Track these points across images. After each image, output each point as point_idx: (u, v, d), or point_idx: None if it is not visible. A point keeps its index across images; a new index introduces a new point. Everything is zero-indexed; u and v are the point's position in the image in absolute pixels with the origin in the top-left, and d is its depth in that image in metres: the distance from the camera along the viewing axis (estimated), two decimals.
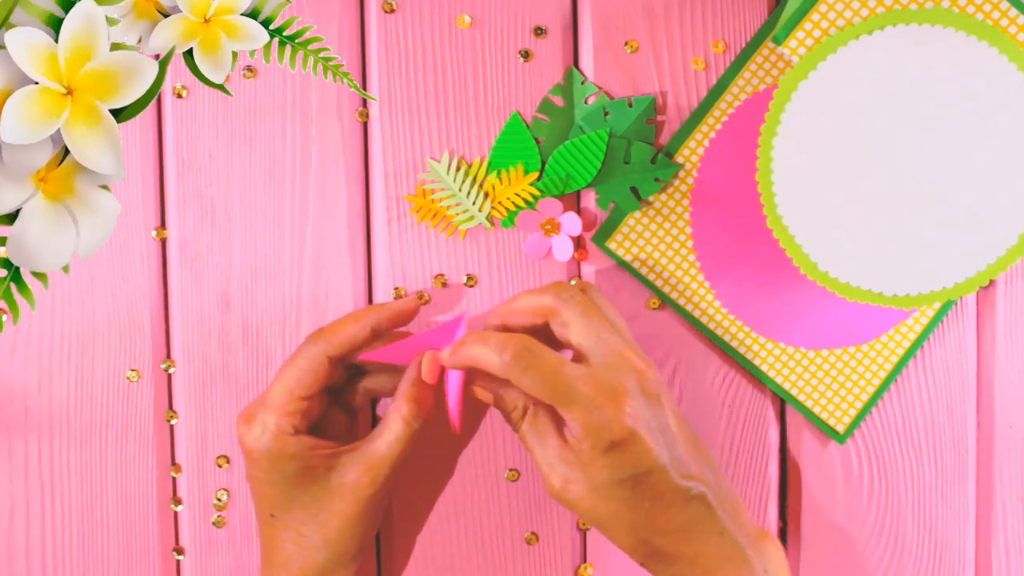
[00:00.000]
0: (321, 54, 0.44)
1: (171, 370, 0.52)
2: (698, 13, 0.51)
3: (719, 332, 0.52)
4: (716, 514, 0.44)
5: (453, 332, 0.45)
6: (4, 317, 0.38)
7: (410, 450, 0.46)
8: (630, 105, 0.51)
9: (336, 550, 0.46)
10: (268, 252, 0.51)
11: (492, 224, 0.51)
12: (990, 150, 0.45)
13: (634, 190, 0.51)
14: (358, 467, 0.45)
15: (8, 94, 0.34)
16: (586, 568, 0.53)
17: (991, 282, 0.52)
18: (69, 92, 0.35)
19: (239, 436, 0.46)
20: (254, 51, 0.41)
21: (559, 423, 0.44)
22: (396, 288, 0.51)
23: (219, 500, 0.53)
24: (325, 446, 0.46)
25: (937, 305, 0.52)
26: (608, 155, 0.50)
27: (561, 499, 0.44)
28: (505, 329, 0.47)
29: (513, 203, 0.51)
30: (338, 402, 0.49)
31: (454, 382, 0.45)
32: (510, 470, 0.53)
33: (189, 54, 0.39)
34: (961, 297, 0.49)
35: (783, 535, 0.54)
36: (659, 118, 0.51)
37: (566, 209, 0.51)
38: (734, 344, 0.52)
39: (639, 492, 0.43)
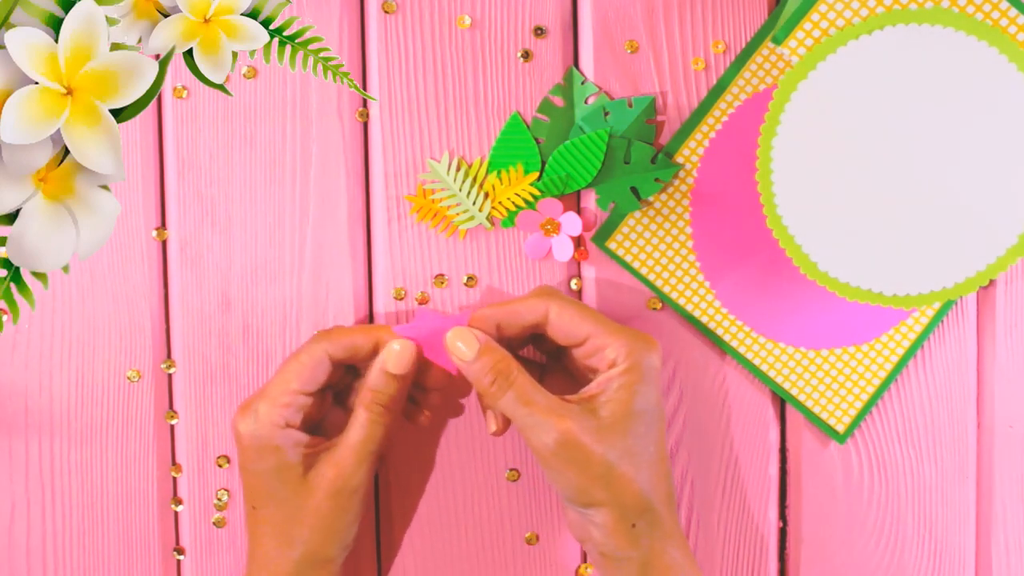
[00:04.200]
0: (321, 54, 0.44)
1: (171, 370, 0.52)
2: (698, 13, 0.51)
3: (719, 332, 0.52)
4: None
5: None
6: (4, 317, 0.38)
7: (378, 443, 0.46)
8: (630, 105, 0.50)
9: (311, 548, 0.46)
10: (268, 252, 0.51)
11: (492, 224, 0.51)
12: (990, 150, 0.45)
13: (634, 190, 0.51)
14: (330, 462, 0.46)
15: (8, 94, 0.34)
16: (586, 568, 0.53)
17: (991, 282, 0.52)
18: (69, 92, 0.35)
19: (233, 424, 0.46)
20: (254, 51, 0.41)
21: (538, 386, 0.45)
22: (396, 288, 0.51)
23: (219, 500, 0.53)
24: (310, 443, 0.46)
25: (937, 305, 0.52)
26: (608, 155, 0.50)
27: (560, 449, 0.44)
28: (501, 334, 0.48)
29: (513, 203, 0.51)
30: (342, 404, 0.49)
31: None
32: (510, 470, 0.53)
33: (189, 54, 0.39)
34: (961, 297, 0.49)
35: (783, 535, 0.54)
36: (659, 118, 0.51)
37: (566, 209, 0.51)
38: (734, 344, 0.52)
39: (652, 430, 0.46)
